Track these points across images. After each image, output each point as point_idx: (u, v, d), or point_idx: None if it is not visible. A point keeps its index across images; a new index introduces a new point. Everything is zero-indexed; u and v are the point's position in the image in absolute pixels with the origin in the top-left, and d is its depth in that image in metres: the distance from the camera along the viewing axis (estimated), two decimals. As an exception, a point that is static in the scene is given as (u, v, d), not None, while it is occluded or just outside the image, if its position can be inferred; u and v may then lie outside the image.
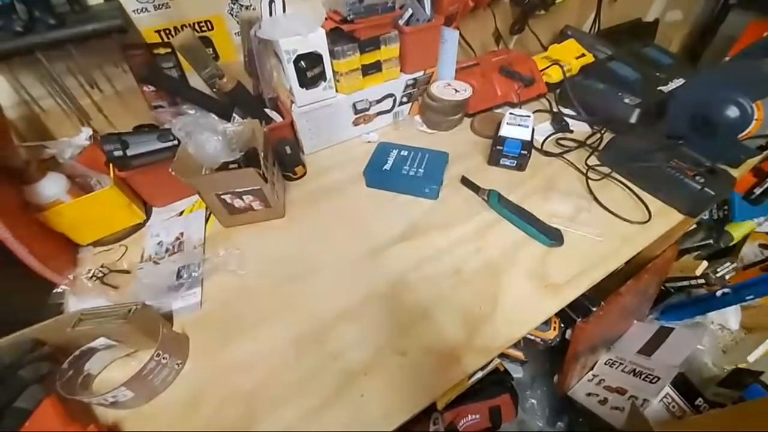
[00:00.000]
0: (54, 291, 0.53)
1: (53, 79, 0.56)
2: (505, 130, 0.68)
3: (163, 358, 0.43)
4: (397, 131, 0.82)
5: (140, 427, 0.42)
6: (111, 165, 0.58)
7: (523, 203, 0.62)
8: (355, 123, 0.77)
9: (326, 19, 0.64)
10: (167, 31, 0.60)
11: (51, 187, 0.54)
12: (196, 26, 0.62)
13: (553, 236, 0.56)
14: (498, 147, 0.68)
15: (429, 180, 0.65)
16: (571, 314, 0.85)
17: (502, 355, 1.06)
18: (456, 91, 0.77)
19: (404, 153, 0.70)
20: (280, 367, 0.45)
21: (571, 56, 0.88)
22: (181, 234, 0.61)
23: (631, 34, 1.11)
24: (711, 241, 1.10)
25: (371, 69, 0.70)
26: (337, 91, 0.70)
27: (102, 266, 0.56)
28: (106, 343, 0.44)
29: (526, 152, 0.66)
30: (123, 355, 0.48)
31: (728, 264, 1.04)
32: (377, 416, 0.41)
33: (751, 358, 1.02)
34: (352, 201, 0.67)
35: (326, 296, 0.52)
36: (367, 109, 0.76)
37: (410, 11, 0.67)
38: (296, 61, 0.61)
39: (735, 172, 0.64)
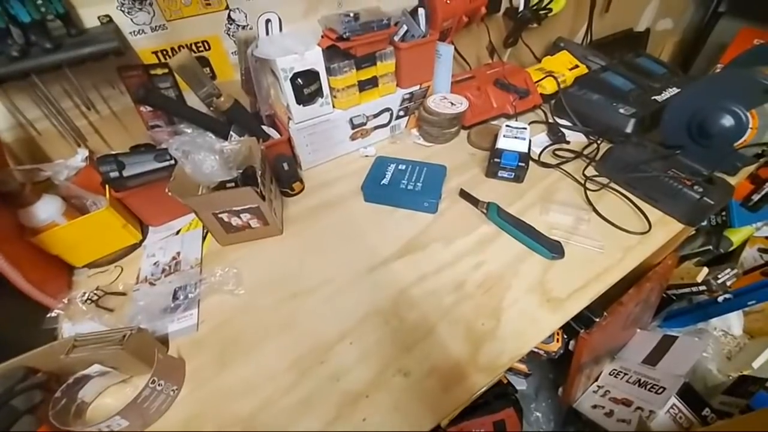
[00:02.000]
0: (48, 315, 0.52)
1: (49, 101, 0.56)
2: (502, 143, 0.68)
3: (159, 385, 0.42)
4: (395, 145, 0.83)
5: (135, 458, 0.40)
6: (107, 186, 0.57)
7: (522, 215, 0.62)
8: (353, 138, 0.77)
9: (322, 37, 0.64)
10: (164, 52, 0.60)
11: (46, 209, 0.53)
12: (193, 47, 0.62)
13: (554, 249, 0.56)
14: (495, 159, 0.68)
15: (428, 194, 0.65)
16: (574, 325, 0.84)
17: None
18: (452, 104, 0.78)
19: (402, 167, 0.70)
20: (279, 390, 0.44)
21: (565, 67, 0.89)
22: (178, 253, 0.61)
23: (623, 44, 1.12)
24: (710, 247, 1.09)
25: (368, 85, 0.70)
26: (334, 106, 0.70)
27: (97, 288, 0.55)
28: (100, 369, 0.43)
29: (523, 164, 0.66)
30: (117, 382, 0.46)
31: (729, 270, 1.04)
32: (380, 441, 0.40)
33: (755, 364, 1.00)
34: (350, 216, 0.66)
35: (326, 315, 0.52)
36: (365, 124, 0.76)
37: (405, 28, 0.68)
38: (293, 79, 0.61)
39: (732, 180, 0.64)
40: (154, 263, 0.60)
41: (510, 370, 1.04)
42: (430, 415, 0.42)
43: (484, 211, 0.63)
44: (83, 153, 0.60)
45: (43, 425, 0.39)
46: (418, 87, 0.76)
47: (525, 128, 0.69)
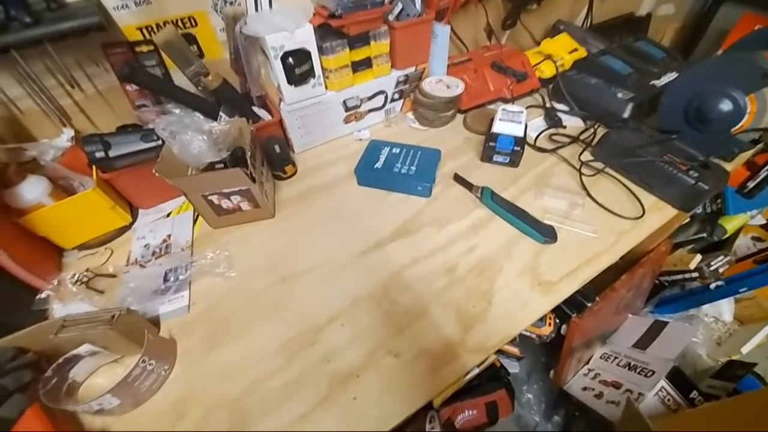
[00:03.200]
0: (38, 296, 0.52)
1: (31, 79, 0.54)
2: (498, 126, 0.67)
3: (149, 364, 0.42)
4: (389, 129, 0.81)
5: (127, 435, 0.41)
6: (93, 166, 0.56)
7: (516, 200, 0.61)
8: (346, 121, 0.76)
9: (314, 14, 0.62)
10: (149, 29, 0.58)
11: (32, 190, 0.53)
12: (179, 23, 0.60)
13: (546, 233, 0.56)
14: (491, 143, 0.67)
15: (421, 178, 0.64)
16: (566, 309, 0.85)
17: (499, 352, 1.06)
18: (448, 87, 0.76)
19: (396, 151, 0.69)
20: (270, 370, 0.45)
21: (564, 51, 0.87)
22: (168, 236, 0.60)
23: (624, 29, 1.10)
24: (704, 235, 1.10)
25: (361, 65, 0.69)
26: (326, 88, 0.69)
27: (87, 270, 0.55)
28: (90, 349, 0.43)
29: (519, 148, 0.66)
30: (109, 362, 0.47)
31: (722, 257, 1.05)
32: (370, 419, 0.40)
33: (744, 350, 1.02)
34: (343, 200, 0.66)
35: (318, 297, 0.52)
36: (358, 107, 0.75)
37: (400, 6, 0.65)
38: (284, 58, 0.59)
39: (728, 166, 0.64)
40: (145, 246, 0.59)
41: (503, 353, 1.06)
42: (420, 394, 0.42)
43: (478, 195, 0.62)
44: (69, 133, 0.58)
45: (33, 404, 0.39)
46: (413, 69, 0.75)
47: (521, 112, 0.68)
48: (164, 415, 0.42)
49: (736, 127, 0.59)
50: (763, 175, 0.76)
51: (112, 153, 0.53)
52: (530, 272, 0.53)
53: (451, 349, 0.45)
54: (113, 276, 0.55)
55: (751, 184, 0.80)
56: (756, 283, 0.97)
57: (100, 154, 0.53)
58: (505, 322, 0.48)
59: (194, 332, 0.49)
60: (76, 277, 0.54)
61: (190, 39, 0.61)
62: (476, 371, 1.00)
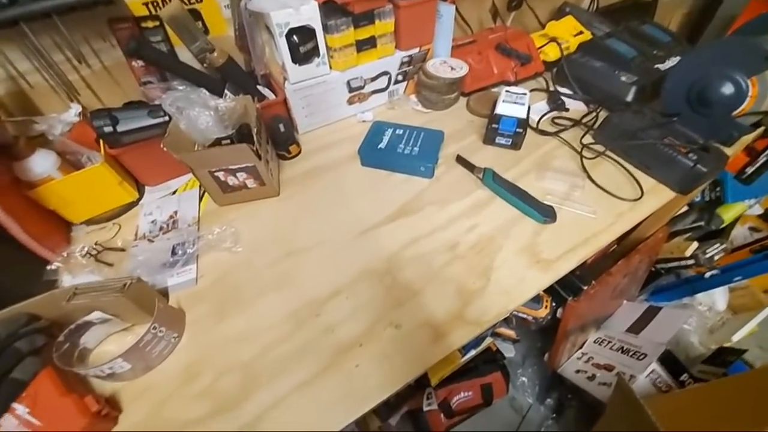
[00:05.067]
0: (48, 268, 0.53)
1: (40, 53, 0.55)
2: (501, 108, 0.67)
3: (160, 331, 0.43)
4: (393, 111, 0.81)
5: (137, 398, 0.42)
6: (101, 142, 0.57)
7: (517, 182, 0.62)
8: (350, 102, 0.76)
9: (319, -9, 0.62)
10: (155, 4, 0.58)
11: (41, 163, 0.53)
12: (185, -2, 0.60)
13: (546, 213, 0.57)
14: (493, 125, 0.67)
15: (424, 158, 0.65)
16: (562, 292, 0.86)
17: (495, 335, 1.08)
18: (452, 68, 0.76)
19: (399, 132, 0.70)
20: (276, 339, 0.46)
21: (569, 33, 0.86)
22: (175, 212, 0.61)
23: (630, 13, 1.08)
24: (702, 224, 1.11)
25: (366, 45, 0.68)
26: (331, 67, 0.69)
27: (96, 244, 0.56)
28: (101, 317, 0.45)
29: (521, 130, 0.66)
30: (119, 330, 0.48)
31: (717, 245, 1.06)
32: (371, 385, 0.42)
33: (735, 338, 1.05)
34: (347, 180, 0.66)
35: (322, 272, 0.53)
36: (362, 88, 0.75)
37: (405, -16, 0.65)
38: (288, 36, 0.59)
39: (728, 151, 0.64)
40: (152, 221, 0.60)
41: (499, 336, 1.08)
42: (419, 363, 0.44)
43: (480, 176, 0.63)
44: (77, 108, 0.59)
45: (46, 367, 0.40)
46: (417, 50, 0.75)
47: (525, 94, 0.68)
48: (176, 378, 0.43)
49: (738, 110, 0.60)
50: (762, 160, 0.77)
51: (119, 128, 0.54)
52: (529, 250, 0.54)
53: (450, 321, 0.47)
54: (122, 249, 0.57)
55: (750, 170, 0.81)
56: (751, 272, 0.98)
57: (108, 129, 0.53)
58: (503, 297, 0.49)
59: (203, 303, 0.50)
60: (86, 249, 0.55)
61: (195, 15, 0.61)
62: (473, 353, 1.02)
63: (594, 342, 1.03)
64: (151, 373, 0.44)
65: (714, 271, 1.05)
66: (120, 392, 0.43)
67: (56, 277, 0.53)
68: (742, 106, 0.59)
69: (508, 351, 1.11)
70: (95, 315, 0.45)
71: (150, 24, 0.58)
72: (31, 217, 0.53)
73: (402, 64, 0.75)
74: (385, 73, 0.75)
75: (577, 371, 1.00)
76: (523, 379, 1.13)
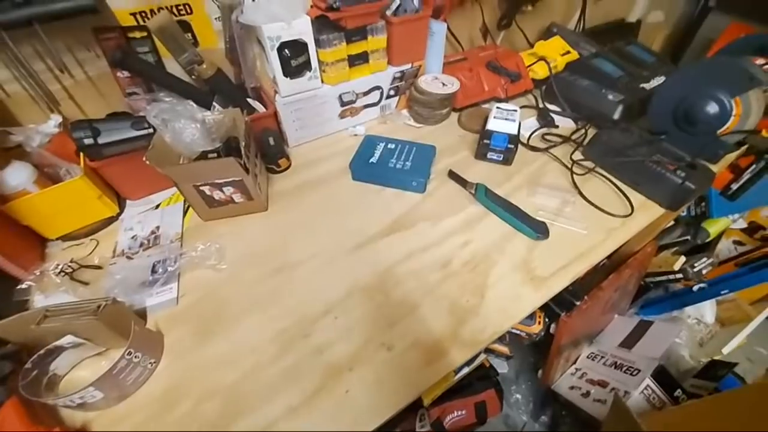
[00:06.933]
0: (19, 287, 0.50)
1: (20, 62, 0.53)
2: (492, 124, 0.67)
3: (135, 357, 0.41)
4: (384, 125, 0.81)
5: (111, 429, 0.39)
6: (81, 154, 0.54)
7: (510, 197, 0.62)
8: (342, 116, 0.76)
9: (311, 6, 0.62)
10: (143, 14, 0.57)
11: (16, 176, 0.51)
12: (174, 9, 0.59)
13: (539, 229, 0.56)
14: (485, 141, 0.67)
15: (416, 173, 0.64)
16: (555, 309, 0.86)
17: (488, 351, 1.06)
18: (443, 84, 0.77)
19: (391, 146, 0.69)
20: (261, 362, 0.44)
21: (557, 53, 0.88)
22: (157, 228, 0.59)
23: (615, 34, 1.12)
24: (688, 238, 1.13)
25: (358, 60, 0.68)
26: (322, 81, 0.68)
27: (71, 261, 0.53)
28: (73, 341, 0.42)
29: (512, 146, 0.66)
30: (93, 354, 0.45)
31: (705, 259, 1.08)
32: (362, 412, 0.40)
33: (725, 350, 1.05)
34: (337, 194, 0.65)
35: (311, 290, 0.51)
36: (354, 102, 0.75)
37: (398, 1, 0.66)
38: (280, 49, 0.59)
39: (714, 168, 0.66)
40: (132, 237, 0.58)
41: (492, 352, 1.06)
42: (412, 387, 0.42)
43: (473, 192, 0.63)
44: (56, 119, 0.57)
45: (11, 397, 0.37)
46: (409, 66, 0.75)
47: (515, 110, 0.69)
48: (153, 405, 0.41)
49: (722, 128, 0.61)
50: (746, 177, 0.79)
51: (101, 140, 0.52)
52: (523, 267, 0.53)
53: (443, 342, 0.45)
54: (99, 267, 0.54)
55: (734, 186, 0.82)
56: (737, 285, 1.00)
57: (88, 141, 0.51)
58: (497, 315, 0.48)
59: (183, 324, 0.48)
60: (60, 267, 0.52)
61: (185, 26, 0.60)
62: (466, 370, 1.00)
63: (587, 357, 1.02)
64: (126, 401, 0.41)
65: (702, 284, 1.06)
66: (92, 423, 0.40)
67: (27, 296, 0.50)
68: (727, 125, 0.60)
69: (502, 367, 1.10)
70: (67, 339, 0.42)
71: (137, 34, 0.57)
72: (3, 233, 0.50)
73: (394, 79, 0.75)
74: (377, 87, 0.75)
75: (572, 387, 0.98)
76: (517, 396, 1.11)
